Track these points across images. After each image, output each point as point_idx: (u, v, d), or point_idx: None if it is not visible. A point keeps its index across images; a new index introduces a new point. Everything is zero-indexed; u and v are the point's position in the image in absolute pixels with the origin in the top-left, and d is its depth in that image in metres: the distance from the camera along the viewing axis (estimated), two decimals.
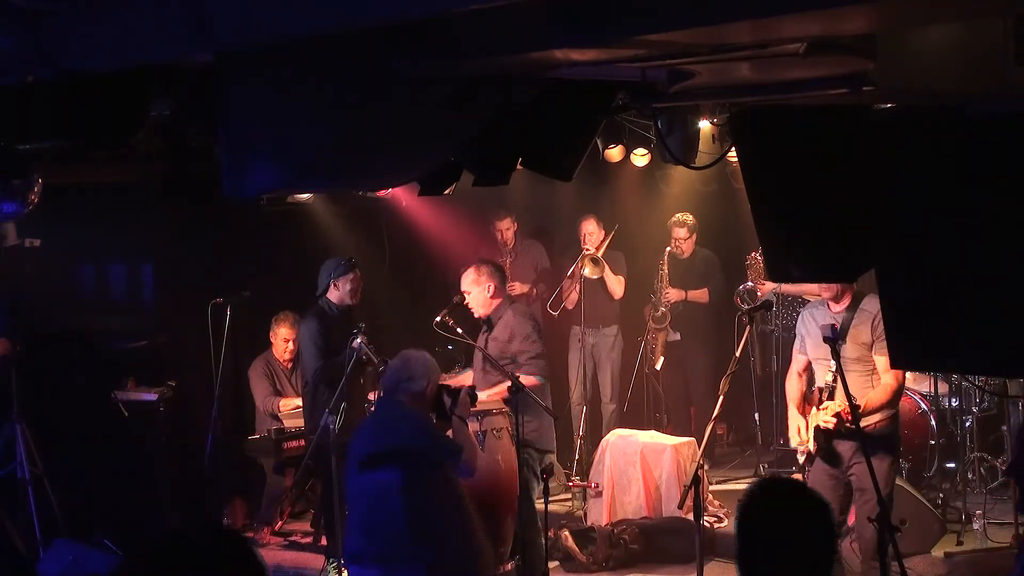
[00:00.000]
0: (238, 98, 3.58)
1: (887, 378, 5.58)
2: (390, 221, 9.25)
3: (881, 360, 5.53)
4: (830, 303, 5.73)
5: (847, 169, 3.79)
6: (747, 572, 2.33)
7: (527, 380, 6.11)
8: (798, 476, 6.02)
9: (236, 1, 2.98)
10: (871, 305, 5.57)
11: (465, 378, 6.77)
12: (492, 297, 6.48)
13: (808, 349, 5.87)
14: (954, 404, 7.68)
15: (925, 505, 6.80)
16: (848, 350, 5.58)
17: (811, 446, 5.67)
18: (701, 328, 8.95)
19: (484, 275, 6.51)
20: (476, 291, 6.50)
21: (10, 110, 4.43)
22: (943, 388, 7.65)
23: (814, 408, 5.68)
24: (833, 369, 5.54)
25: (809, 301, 8.41)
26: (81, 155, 5.73)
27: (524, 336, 6.38)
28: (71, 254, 7.63)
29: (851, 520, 6.11)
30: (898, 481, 6.82)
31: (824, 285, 5.69)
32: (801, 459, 5.83)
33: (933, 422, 7.57)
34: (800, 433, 5.75)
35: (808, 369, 5.94)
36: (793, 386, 5.93)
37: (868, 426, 5.47)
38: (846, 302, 5.67)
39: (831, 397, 5.60)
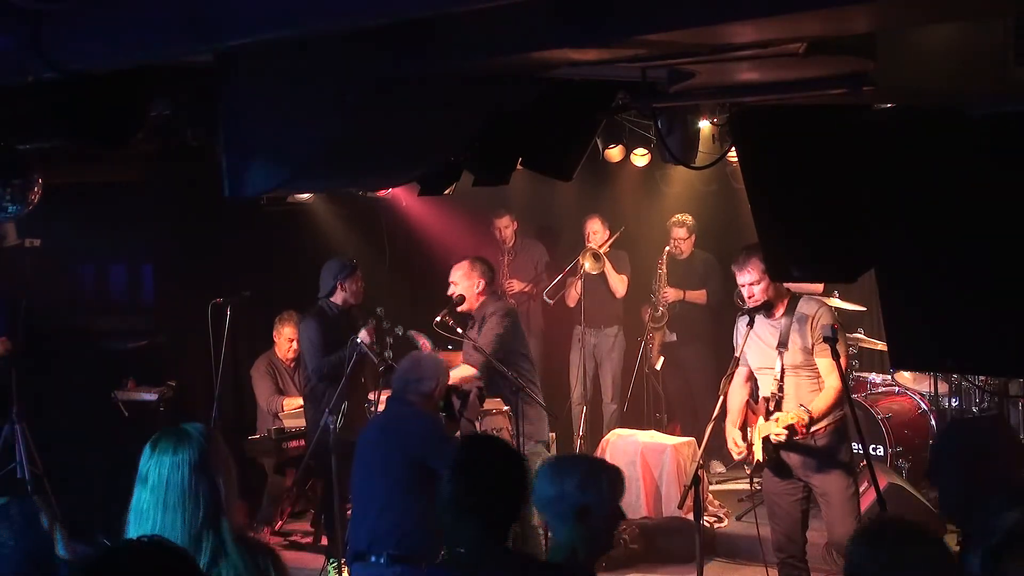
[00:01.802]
0: (238, 98, 3.58)
1: (831, 380, 5.38)
2: (390, 221, 9.26)
3: (823, 363, 5.35)
4: (762, 314, 5.53)
5: (847, 169, 3.80)
6: (460, 512, 2.93)
7: (466, 370, 6.33)
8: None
9: (236, 1, 2.98)
10: (807, 308, 5.46)
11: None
12: (479, 294, 6.59)
13: (750, 359, 5.68)
14: (954, 404, 7.68)
15: (925, 505, 6.80)
16: (792, 357, 5.46)
17: (759, 456, 5.52)
18: (698, 329, 8.95)
19: (476, 271, 6.65)
20: (464, 284, 6.65)
21: (10, 110, 4.43)
22: (943, 388, 7.66)
23: (761, 419, 5.53)
24: (777, 377, 5.43)
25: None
26: (81, 155, 5.73)
27: (489, 329, 6.51)
28: (71, 254, 7.63)
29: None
30: (898, 481, 6.83)
31: (762, 291, 5.49)
32: (748, 468, 5.70)
33: (933, 422, 7.57)
34: (736, 444, 5.61)
35: (751, 379, 5.78)
36: (737, 398, 5.72)
37: (818, 430, 5.38)
38: (782, 308, 5.52)
39: (778, 407, 5.45)
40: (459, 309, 6.69)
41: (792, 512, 5.58)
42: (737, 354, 5.72)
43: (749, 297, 5.54)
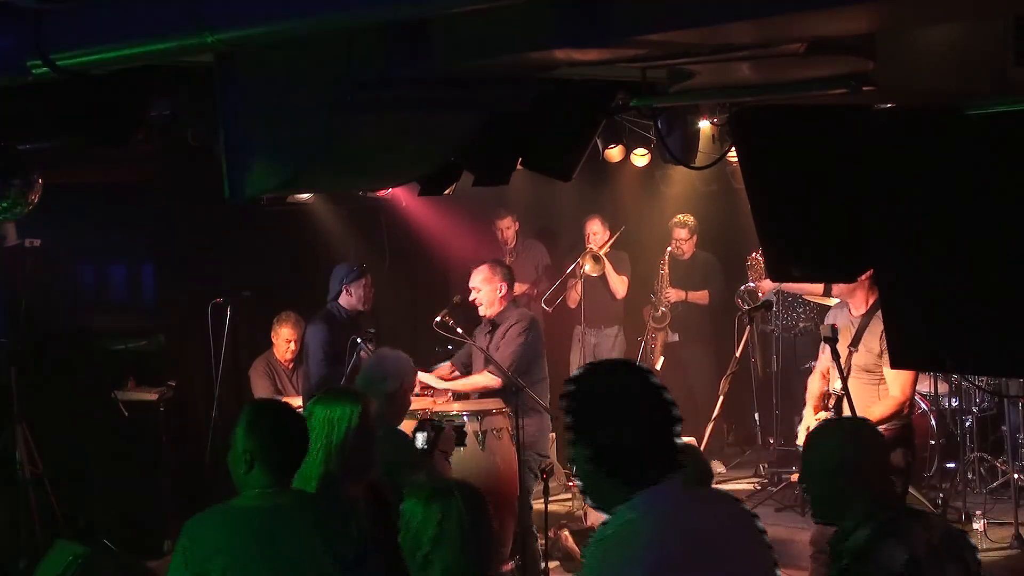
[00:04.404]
0: (238, 98, 3.58)
1: (893, 390, 5.25)
2: (390, 221, 9.25)
3: (889, 372, 5.20)
4: (850, 305, 5.43)
5: (847, 169, 3.80)
6: (252, 464, 3.63)
7: (489, 379, 6.19)
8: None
9: (236, 1, 2.98)
10: None
11: (442, 370, 6.75)
12: (502, 298, 6.45)
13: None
14: (954, 404, 7.69)
15: (925, 505, 6.80)
16: (859, 357, 5.35)
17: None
18: (700, 329, 8.95)
19: (498, 276, 6.45)
20: (487, 289, 6.43)
21: (10, 110, 4.43)
22: (943, 388, 7.66)
23: (820, 412, 5.48)
24: (841, 374, 5.29)
25: (810, 301, 8.44)
26: (81, 155, 5.72)
27: (509, 341, 6.32)
28: (71, 254, 7.62)
29: None
30: None
31: (840, 285, 5.45)
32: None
33: (933, 422, 7.57)
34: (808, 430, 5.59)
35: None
36: (815, 385, 5.67)
37: None
38: (863, 306, 5.37)
39: (838, 407, 5.31)
40: (481, 315, 6.53)
41: None
42: (821, 356, 5.60)
43: (844, 288, 5.44)
